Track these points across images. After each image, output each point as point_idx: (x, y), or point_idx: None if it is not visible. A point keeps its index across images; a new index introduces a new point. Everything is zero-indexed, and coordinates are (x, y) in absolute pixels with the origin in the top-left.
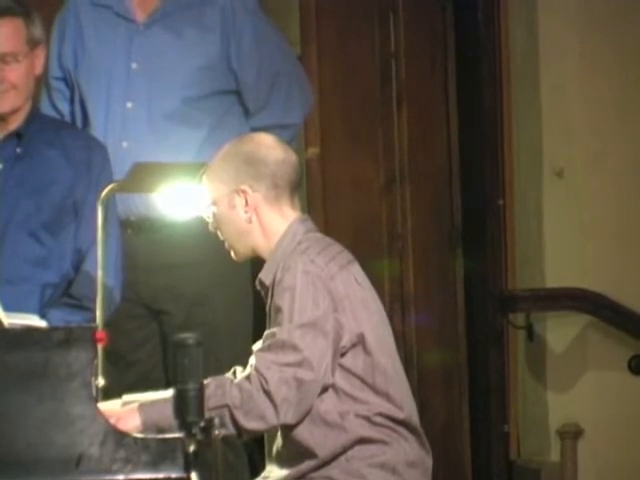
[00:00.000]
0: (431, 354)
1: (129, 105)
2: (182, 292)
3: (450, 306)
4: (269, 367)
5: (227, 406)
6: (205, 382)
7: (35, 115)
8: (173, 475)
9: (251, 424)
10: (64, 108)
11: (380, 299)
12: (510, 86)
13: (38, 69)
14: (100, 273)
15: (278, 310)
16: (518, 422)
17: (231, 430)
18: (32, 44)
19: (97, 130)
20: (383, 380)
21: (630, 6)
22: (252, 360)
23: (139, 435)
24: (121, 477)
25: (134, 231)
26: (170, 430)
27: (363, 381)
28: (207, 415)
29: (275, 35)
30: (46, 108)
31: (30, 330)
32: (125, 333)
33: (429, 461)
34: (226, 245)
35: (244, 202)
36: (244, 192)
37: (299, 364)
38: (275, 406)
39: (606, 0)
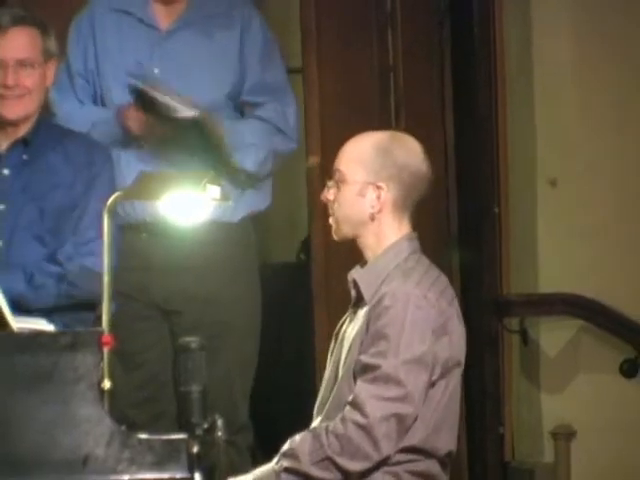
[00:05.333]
0: None
1: None
2: (194, 293)
3: None
4: (370, 401)
5: (329, 458)
6: (302, 436)
7: (42, 122)
8: (177, 475)
9: (357, 466)
10: (88, 102)
11: None
12: (505, 97)
13: (49, 80)
14: (106, 278)
15: (383, 336)
16: (512, 424)
17: (337, 476)
18: (46, 56)
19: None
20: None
21: (624, 15)
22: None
23: (143, 436)
24: (126, 477)
25: (148, 235)
26: None
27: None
28: (312, 470)
29: (277, 46)
30: (71, 100)
31: (38, 334)
32: (136, 334)
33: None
34: (330, 220)
35: (375, 197)
36: (380, 188)
37: (402, 399)
38: (376, 442)
39: (600, 10)
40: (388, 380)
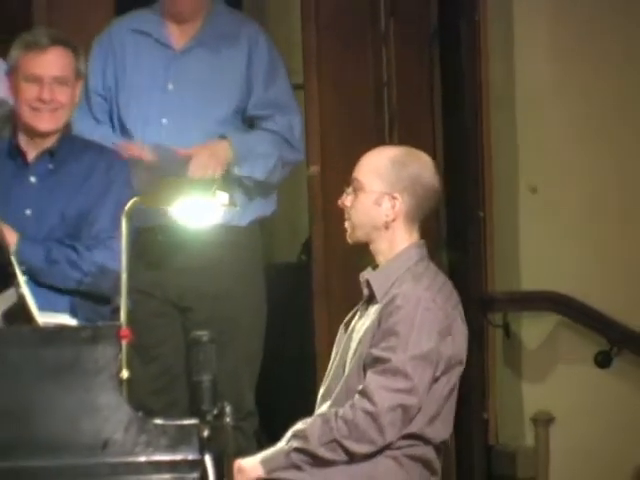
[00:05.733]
0: None
1: (164, 121)
2: (205, 291)
3: None
4: (379, 391)
5: (337, 440)
6: (312, 419)
7: (66, 135)
8: (189, 457)
9: (362, 449)
10: (104, 119)
11: None
12: (489, 111)
13: (77, 98)
14: (124, 276)
15: (394, 333)
16: (496, 411)
17: (343, 457)
18: (77, 75)
19: (136, 142)
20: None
21: (601, 32)
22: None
23: (159, 421)
24: (143, 459)
25: (164, 237)
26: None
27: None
28: (320, 451)
29: (282, 63)
30: (87, 119)
31: (61, 328)
32: (152, 329)
33: None
34: (347, 224)
35: (390, 206)
36: (395, 199)
37: (408, 391)
38: (381, 429)
39: (578, 28)
40: (396, 373)
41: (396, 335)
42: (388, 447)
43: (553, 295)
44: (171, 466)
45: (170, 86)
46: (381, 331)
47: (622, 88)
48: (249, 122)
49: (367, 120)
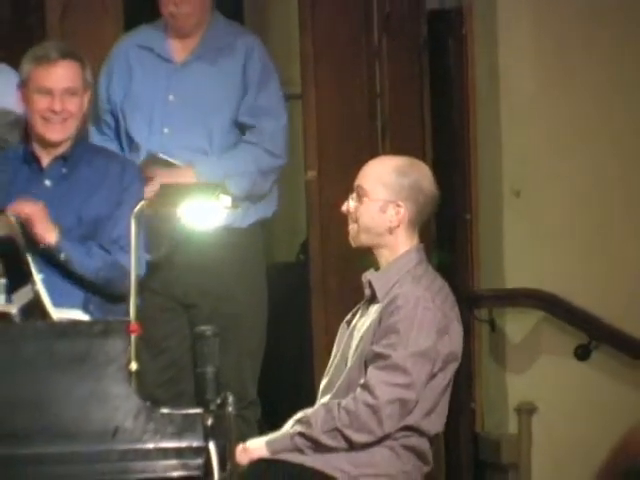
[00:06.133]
0: None
1: (166, 130)
2: (209, 289)
3: None
4: (380, 385)
5: (338, 429)
6: (316, 408)
7: (79, 142)
8: (194, 444)
9: (362, 438)
10: (112, 136)
11: None
12: (475, 120)
13: (85, 107)
14: (133, 275)
15: (394, 331)
16: (482, 400)
17: (343, 445)
18: (85, 86)
19: (140, 151)
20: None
21: (582, 45)
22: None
23: (165, 410)
24: (151, 445)
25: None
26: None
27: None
28: (322, 438)
29: (274, 72)
30: (96, 135)
31: (74, 322)
32: (158, 324)
33: None
34: (351, 227)
35: (394, 214)
36: (399, 206)
37: (407, 386)
38: (380, 421)
39: (559, 38)
40: (396, 368)
41: (396, 333)
42: (386, 438)
43: (535, 292)
44: (177, 452)
45: (171, 97)
46: (382, 329)
47: (601, 96)
48: (239, 128)
49: (361, 128)
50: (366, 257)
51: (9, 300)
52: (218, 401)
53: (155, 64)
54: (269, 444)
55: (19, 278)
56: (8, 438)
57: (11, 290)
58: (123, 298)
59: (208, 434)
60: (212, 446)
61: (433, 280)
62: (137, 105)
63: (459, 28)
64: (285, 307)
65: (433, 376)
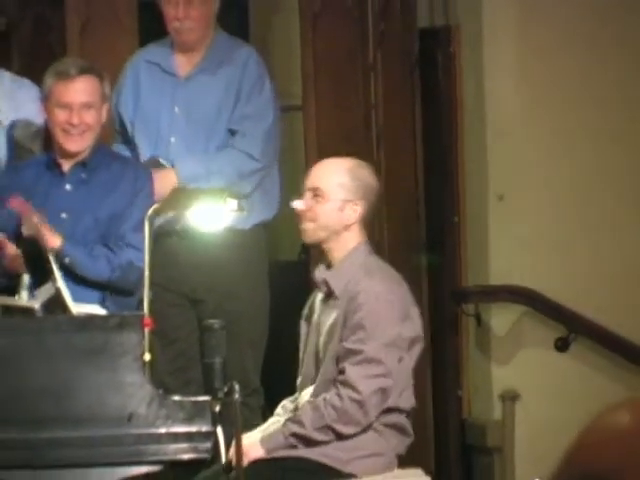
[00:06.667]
0: None
1: (172, 140)
2: (214, 286)
3: (417, 299)
4: (361, 380)
5: (327, 426)
6: (304, 408)
7: (97, 149)
8: (203, 429)
9: (350, 430)
10: (121, 144)
11: None
12: (463, 129)
13: (104, 118)
14: (147, 273)
15: (361, 327)
16: (469, 389)
17: (333, 438)
18: (103, 99)
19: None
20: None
21: (562, 60)
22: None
23: (176, 398)
24: (163, 430)
25: (179, 238)
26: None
27: None
28: (314, 434)
29: (268, 81)
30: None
31: (92, 316)
32: (168, 317)
33: None
34: (305, 225)
35: (352, 212)
36: (356, 205)
37: (384, 375)
38: (367, 412)
39: (539, 56)
40: (371, 361)
41: (363, 329)
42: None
43: (518, 289)
44: (187, 437)
45: (176, 109)
46: (349, 327)
47: (580, 108)
48: (231, 134)
49: (358, 137)
50: (323, 254)
51: (33, 296)
52: (225, 389)
53: (162, 78)
54: (264, 443)
55: (42, 276)
56: (31, 423)
57: (35, 287)
58: (133, 292)
59: (216, 420)
60: (219, 431)
61: (385, 270)
62: (145, 116)
63: (447, 46)
64: (286, 303)
65: (401, 359)
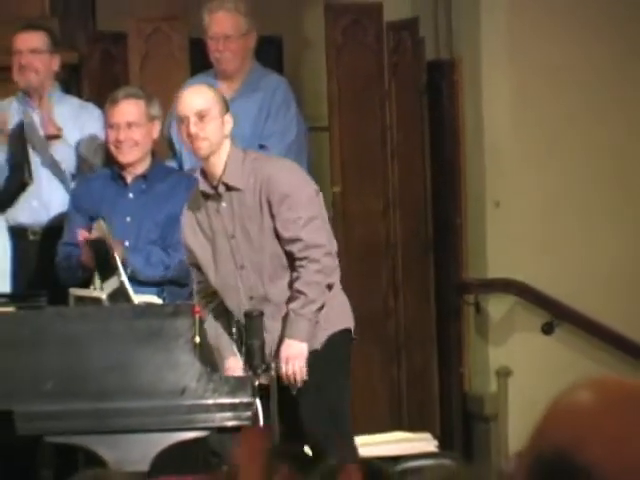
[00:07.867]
0: (414, 321)
1: None
2: None
3: (425, 290)
4: (316, 237)
5: (322, 287)
6: (299, 289)
7: (156, 164)
8: (244, 400)
9: (335, 278)
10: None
11: (380, 287)
12: (464, 147)
13: (154, 135)
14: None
15: (285, 196)
16: (469, 366)
17: (327, 292)
18: (150, 118)
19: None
20: None
21: (548, 84)
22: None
23: (222, 374)
24: (211, 401)
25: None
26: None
27: None
28: (320, 301)
29: (293, 104)
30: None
31: (151, 305)
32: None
33: None
34: (201, 143)
35: (227, 123)
36: (228, 117)
37: (323, 224)
38: (334, 257)
39: (530, 84)
40: (311, 219)
41: (289, 196)
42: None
43: (511, 281)
44: (231, 407)
45: None
46: (275, 202)
47: (572, 123)
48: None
49: (375, 154)
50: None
51: (100, 288)
52: (263, 367)
53: None
54: (296, 338)
55: (108, 271)
56: (99, 396)
57: (102, 280)
58: (185, 285)
59: (255, 392)
60: (258, 402)
61: (271, 156)
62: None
63: (451, 76)
64: None
65: (320, 206)
